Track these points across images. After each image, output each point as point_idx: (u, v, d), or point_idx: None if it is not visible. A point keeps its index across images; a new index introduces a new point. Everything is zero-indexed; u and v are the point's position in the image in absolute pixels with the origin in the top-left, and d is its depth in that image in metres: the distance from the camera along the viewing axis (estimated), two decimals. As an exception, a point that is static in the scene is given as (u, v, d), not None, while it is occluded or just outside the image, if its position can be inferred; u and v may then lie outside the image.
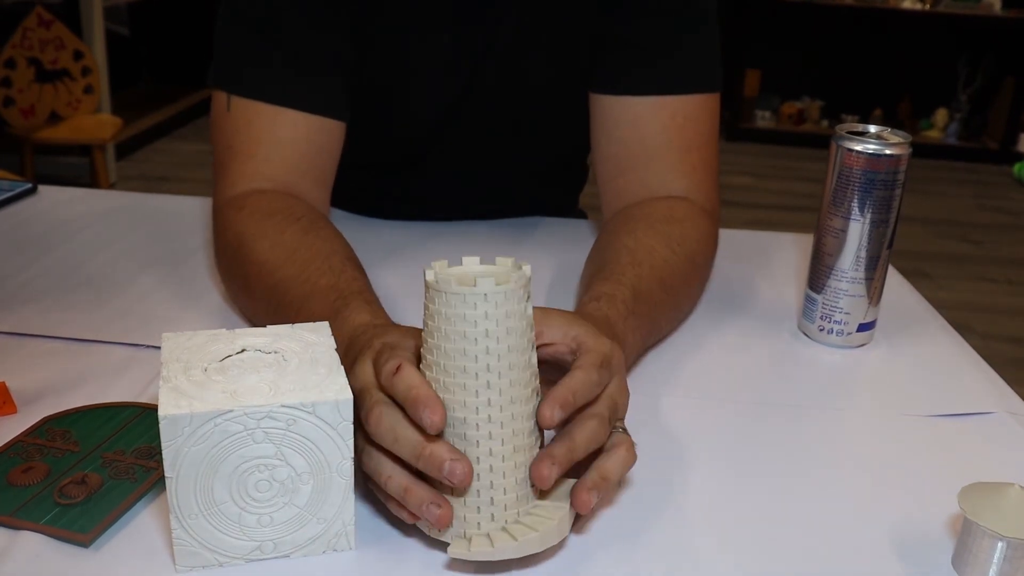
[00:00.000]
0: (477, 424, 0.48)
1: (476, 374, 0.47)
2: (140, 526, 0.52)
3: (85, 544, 0.50)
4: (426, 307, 0.49)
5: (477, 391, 0.48)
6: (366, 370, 0.52)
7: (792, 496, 0.58)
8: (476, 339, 0.47)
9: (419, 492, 0.49)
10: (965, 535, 0.51)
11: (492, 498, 0.49)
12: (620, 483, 0.58)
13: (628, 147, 0.83)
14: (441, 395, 0.48)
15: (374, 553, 0.51)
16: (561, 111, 0.89)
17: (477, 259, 0.52)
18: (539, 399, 0.51)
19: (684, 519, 0.55)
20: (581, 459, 0.51)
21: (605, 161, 0.86)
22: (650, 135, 0.82)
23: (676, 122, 0.82)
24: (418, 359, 0.51)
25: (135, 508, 0.53)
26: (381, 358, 0.51)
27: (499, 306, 0.47)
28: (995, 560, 0.49)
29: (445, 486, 0.49)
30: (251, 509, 0.49)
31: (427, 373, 0.49)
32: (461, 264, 0.52)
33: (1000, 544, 0.49)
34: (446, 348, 0.47)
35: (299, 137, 0.79)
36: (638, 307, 0.67)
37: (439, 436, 0.48)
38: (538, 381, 0.51)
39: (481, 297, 0.47)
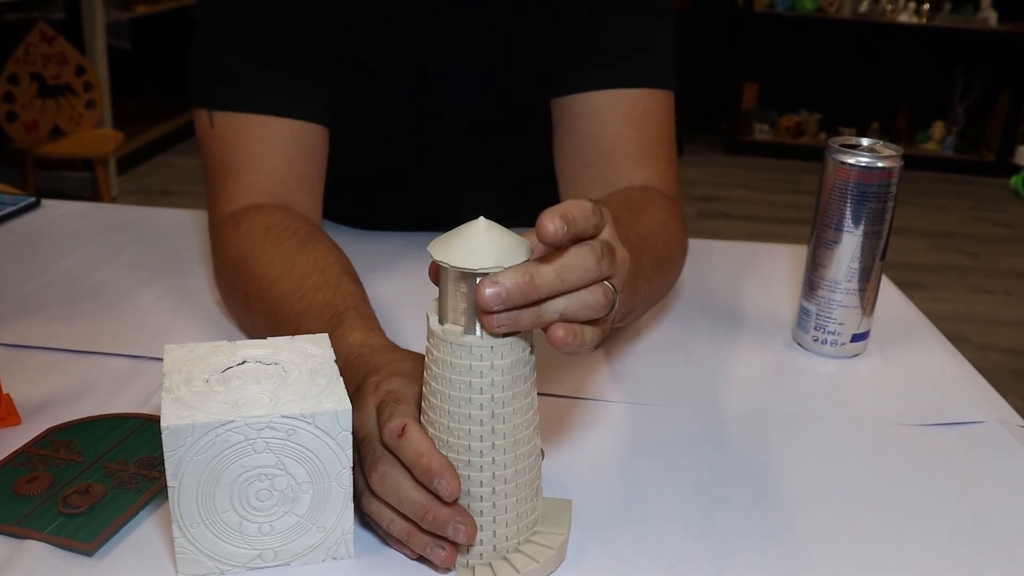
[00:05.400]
0: (481, 466, 0.49)
1: (481, 420, 0.48)
2: (143, 535, 0.53)
3: (89, 553, 0.51)
4: (429, 351, 0.49)
5: (482, 435, 0.48)
6: (370, 417, 0.52)
7: (784, 505, 0.59)
8: (482, 388, 0.47)
9: (423, 535, 0.50)
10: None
11: (495, 531, 0.50)
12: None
13: (589, 142, 0.83)
14: (445, 437, 0.49)
15: (373, 561, 0.52)
16: (531, 124, 0.89)
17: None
18: (539, 435, 0.51)
19: (676, 529, 0.56)
20: (568, 289, 0.46)
21: (567, 158, 0.86)
22: (610, 127, 0.82)
23: (635, 115, 0.82)
24: (420, 402, 0.51)
25: (138, 517, 0.54)
26: (384, 411, 0.51)
27: (504, 356, 0.47)
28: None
29: None
30: (252, 518, 0.50)
31: (431, 415, 0.49)
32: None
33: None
34: (451, 395, 0.48)
35: (287, 145, 0.80)
36: (642, 260, 0.64)
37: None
38: (538, 416, 0.51)
39: (487, 349, 0.47)
